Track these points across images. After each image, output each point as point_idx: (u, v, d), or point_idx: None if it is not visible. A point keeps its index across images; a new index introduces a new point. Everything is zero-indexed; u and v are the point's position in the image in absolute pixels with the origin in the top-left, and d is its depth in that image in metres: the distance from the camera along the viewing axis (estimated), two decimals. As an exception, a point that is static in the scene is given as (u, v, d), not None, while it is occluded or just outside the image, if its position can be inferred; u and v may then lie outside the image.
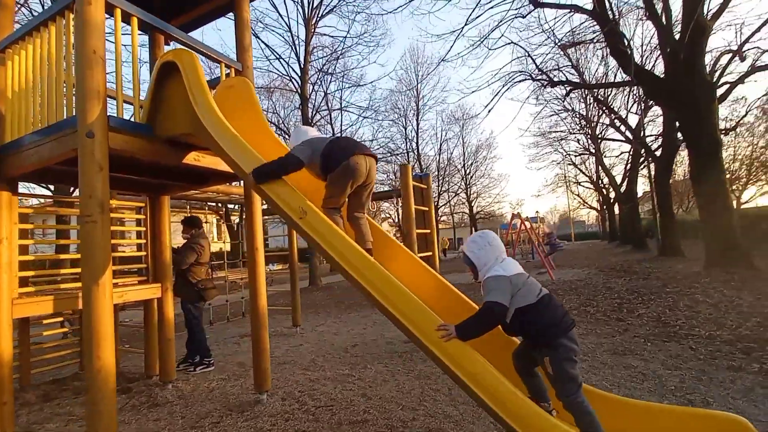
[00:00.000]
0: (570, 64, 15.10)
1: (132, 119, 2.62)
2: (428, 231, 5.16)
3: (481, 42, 11.34)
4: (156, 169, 3.31)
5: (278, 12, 24.53)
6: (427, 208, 5.22)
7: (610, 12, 9.31)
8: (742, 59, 9.35)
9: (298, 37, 14.27)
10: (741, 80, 9.48)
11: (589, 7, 9.51)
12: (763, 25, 8.67)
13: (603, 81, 16.69)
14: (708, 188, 8.31)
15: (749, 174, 22.28)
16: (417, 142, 24.53)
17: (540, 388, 1.89)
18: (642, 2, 9.28)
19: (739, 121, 16.34)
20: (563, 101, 18.49)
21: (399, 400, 3.11)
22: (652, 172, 14.58)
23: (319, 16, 14.08)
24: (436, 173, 26.55)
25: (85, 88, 2.22)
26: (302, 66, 13.83)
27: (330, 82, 16.41)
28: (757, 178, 21.84)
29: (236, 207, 23.36)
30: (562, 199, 31.90)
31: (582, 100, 21.27)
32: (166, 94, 2.61)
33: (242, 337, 5.98)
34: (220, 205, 14.87)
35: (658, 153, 14.36)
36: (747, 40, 8.92)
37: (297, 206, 2.03)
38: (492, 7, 10.11)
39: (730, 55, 9.39)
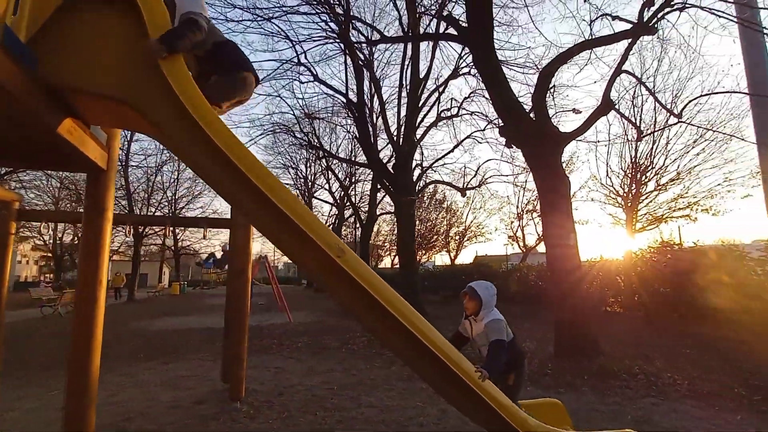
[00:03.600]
0: (312, 131, 17.57)
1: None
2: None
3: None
4: None
5: None
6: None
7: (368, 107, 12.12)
8: (424, 173, 14.33)
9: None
10: (424, 188, 14.54)
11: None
12: (438, 159, 14.21)
13: (333, 152, 20.30)
14: (406, 252, 11.78)
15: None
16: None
17: None
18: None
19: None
20: (314, 161, 21.00)
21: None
22: (358, 233, 18.68)
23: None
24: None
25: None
26: None
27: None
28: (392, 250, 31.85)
29: None
30: (269, 244, 34.06)
31: (304, 163, 24.68)
32: (81, 28, 1.65)
33: None
34: None
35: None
36: (430, 166, 13.97)
37: (333, 242, 1.85)
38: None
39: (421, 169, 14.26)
